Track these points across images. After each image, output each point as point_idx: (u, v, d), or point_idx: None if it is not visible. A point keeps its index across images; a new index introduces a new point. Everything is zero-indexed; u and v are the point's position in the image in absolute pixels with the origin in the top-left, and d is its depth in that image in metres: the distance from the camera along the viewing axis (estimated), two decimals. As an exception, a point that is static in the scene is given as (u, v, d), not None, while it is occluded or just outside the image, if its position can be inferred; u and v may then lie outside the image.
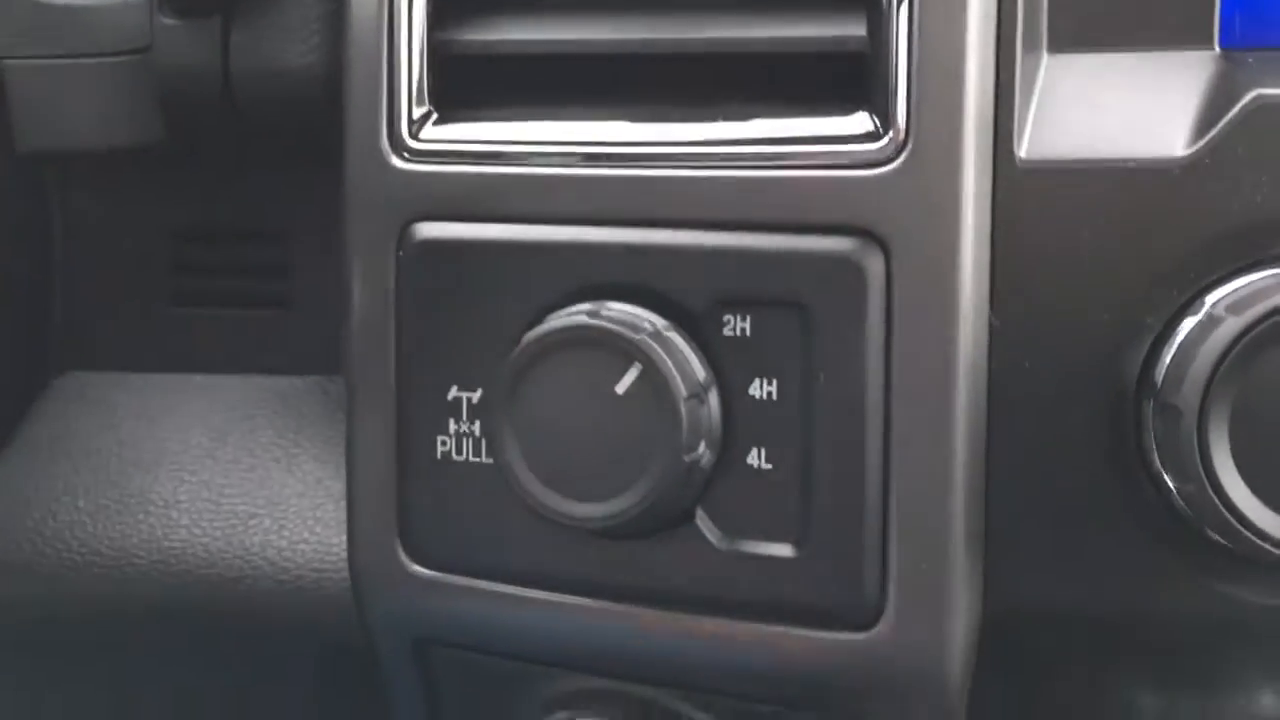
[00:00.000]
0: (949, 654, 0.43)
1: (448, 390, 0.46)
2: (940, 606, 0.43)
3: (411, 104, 0.48)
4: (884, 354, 0.43)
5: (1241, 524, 0.38)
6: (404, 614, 0.49)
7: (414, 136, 0.48)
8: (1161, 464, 0.40)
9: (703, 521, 0.44)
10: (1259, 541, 0.38)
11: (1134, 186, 0.42)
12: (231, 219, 0.63)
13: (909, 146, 0.42)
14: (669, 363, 0.41)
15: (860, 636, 0.43)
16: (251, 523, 0.61)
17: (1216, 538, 0.40)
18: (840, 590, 0.43)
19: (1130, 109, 0.43)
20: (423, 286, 0.47)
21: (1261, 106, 0.41)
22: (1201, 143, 0.41)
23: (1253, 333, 0.38)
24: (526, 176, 0.46)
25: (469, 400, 0.46)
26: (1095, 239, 0.42)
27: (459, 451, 0.46)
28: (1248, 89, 0.42)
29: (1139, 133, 0.42)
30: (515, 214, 0.46)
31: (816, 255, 0.43)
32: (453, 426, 0.46)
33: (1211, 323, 0.39)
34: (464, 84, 0.48)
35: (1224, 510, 0.38)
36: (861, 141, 0.43)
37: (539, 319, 0.44)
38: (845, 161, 0.43)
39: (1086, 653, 0.46)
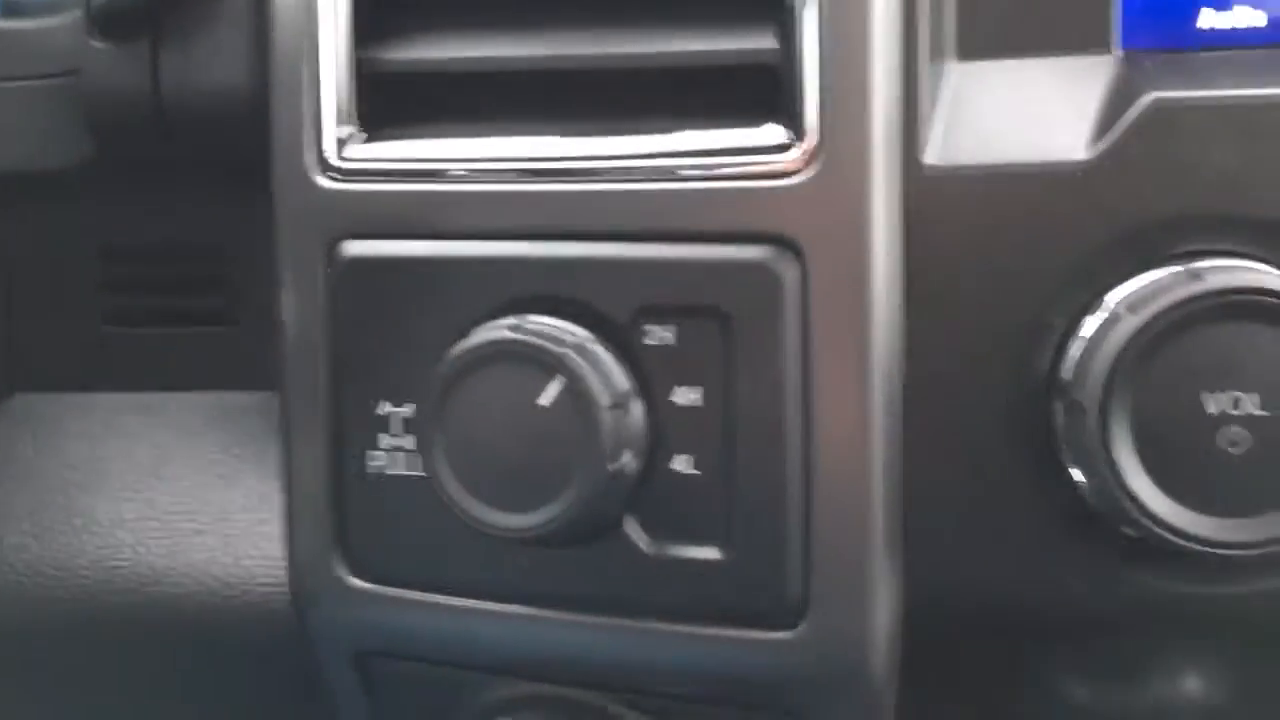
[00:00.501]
0: (872, 648, 0.44)
1: (380, 405, 0.47)
2: (862, 602, 0.44)
3: (337, 123, 0.49)
4: (802, 358, 0.44)
5: (1145, 515, 0.39)
6: (344, 627, 0.50)
7: (340, 156, 0.48)
8: (1069, 459, 0.41)
9: (631, 528, 0.45)
10: (1162, 532, 0.39)
11: (1037, 190, 0.43)
12: (169, 237, 0.63)
13: (820, 156, 0.44)
14: (591, 374, 0.42)
15: (786, 634, 0.44)
16: (196, 540, 0.61)
17: (1124, 529, 0.41)
18: (765, 590, 0.44)
19: (1034, 114, 0.45)
20: (352, 303, 0.48)
21: (1159, 109, 0.42)
22: (1102, 145, 0.43)
23: (1150, 330, 0.39)
24: (451, 193, 0.47)
25: (401, 414, 0.47)
26: (1001, 242, 0.43)
27: (393, 465, 0.47)
28: (1146, 91, 0.43)
29: (1042, 137, 0.44)
30: (441, 230, 0.47)
31: (734, 264, 0.44)
32: (386, 441, 0.47)
33: (1112, 321, 0.40)
34: (391, 102, 0.49)
35: (1128, 502, 0.39)
36: (775, 152, 0.44)
37: (466, 333, 0.45)
38: (760, 171, 0.44)
39: (1010, 643, 0.48)
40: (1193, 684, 0.49)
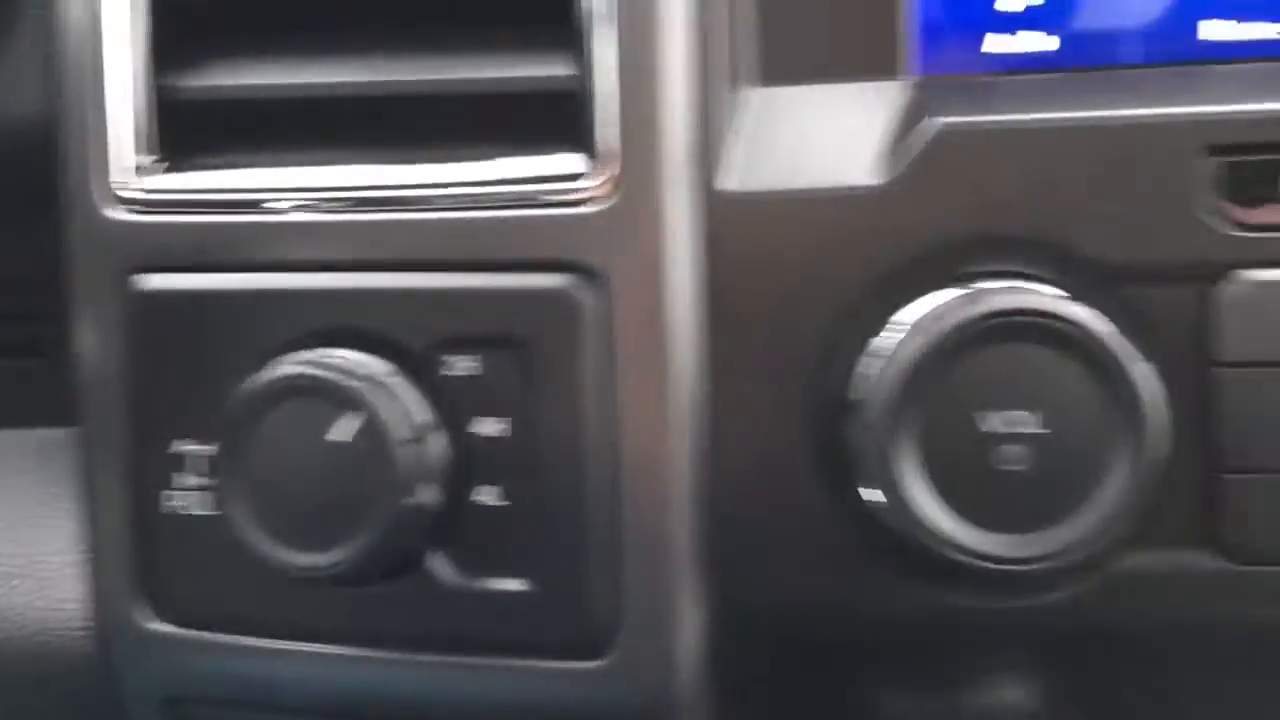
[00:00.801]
0: (682, 674, 0.44)
1: (179, 443, 0.46)
2: (671, 629, 0.44)
3: (135, 152, 0.47)
4: (606, 386, 0.44)
5: (929, 533, 0.40)
6: (150, 672, 0.48)
7: (136, 187, 0.47)
8: (860, 478, 0.42)
9: (438, 562, 0.44)
10: (946, 548, 0.40)
11: (831, 214, 0.43)
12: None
13: (619, 183, 0.44)
14: (386, 408, 0.41)
15: (595, 664, 0.44)
16: (13, 584, 0.58)
17: (915, 546, 0.42)
18: (573, 620, 0.44)
19: (831, 139, 0.45)
20: (148, 339, 0.46)
21: (948, 135, 0.43)
22: (893, 170, 0.43)
23: (933, 351, 0.40)
24: (250, 225, 0.46)
25: (199, 453, 0.45)
26: (798, 265, 0.44)
27: (193, 505, 0.45)
28: (934, 117, 0.44)
29: (837, 162, 0.44)
30: (240, 262, 0.46)
31: (536, 293, 0.44)
32: (186, 479, 0.46)
33: (897, 342, 0.41)
34: (196, 130, 0.48)
35: (912, 520, 0.40)
36: (575, 179, 0.44)
37: (263, 369, 0.44)
38: (561, 199, 0.44)
39: (824, 660, 0.48)
40: (1003, 694, 0.50)
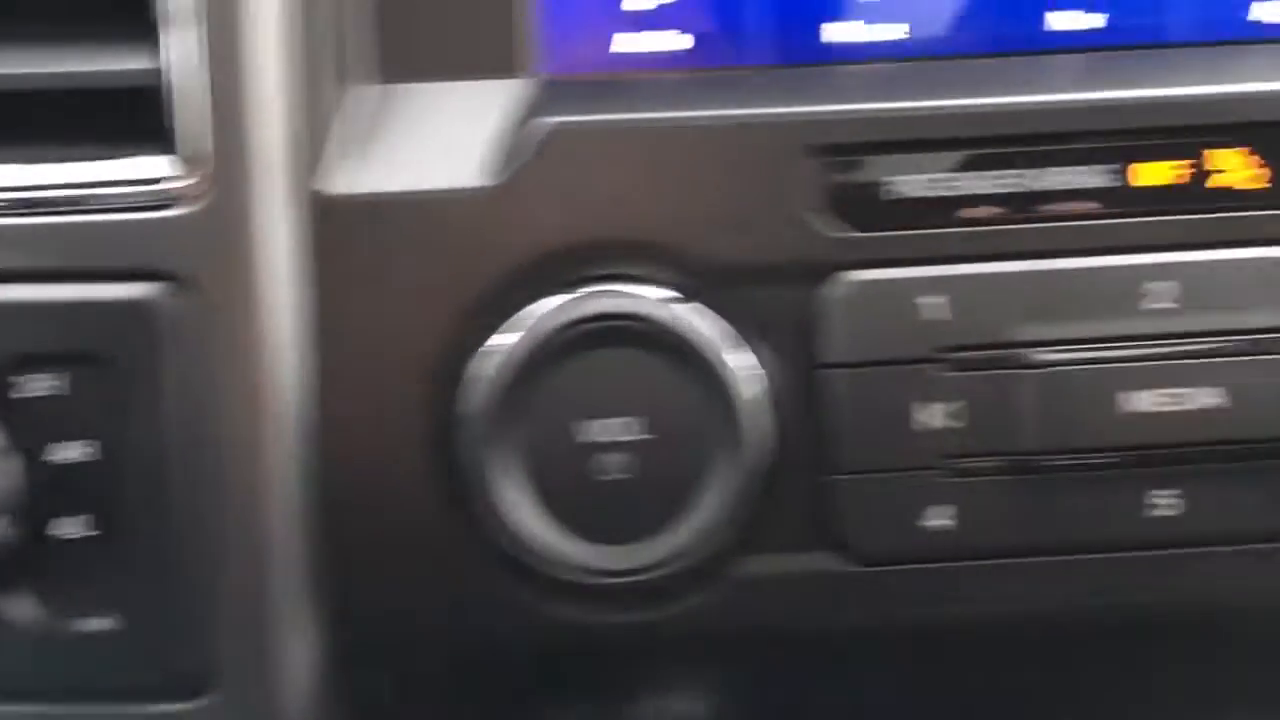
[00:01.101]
0: (291, 710, 0.41)
1: None
2: (277, 662, 0.41)
3: None
4: (201, 404, 0.40)
5: (527, 547, 0.39)
6: None
7: None
8: (466, 491, 0.40)
9: (14, 602, 0.40)
10: (546, 563, 0.39)
11: (440, 217, 0.41)
12: None
13: (209, 186, 0.40)
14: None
15: (194, 705, 0.41)
16: None
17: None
18: (169, 659, 0.40)
19: (446, 139, 0.43)
20: None
21: (559, 135, 0.42)
22: (506, 171, 0.42)
23: (532, 356, 0.39)
24: None
25: None
26: (407, 270, 0.41)
27: None
28: (551, 117, 0.42)
29: (449, 163, 0.42)
30: None
31: (119, 304, 0.40)
32: None
33: (504, 347, 0.39)
34: None
35: (511, 534, 0.38)
36: (161, 182, 0.41)
37: None
38: (144, 203, 0.41)
39: (470, 685, 0.46)
40: (660, 706, 0.49)
